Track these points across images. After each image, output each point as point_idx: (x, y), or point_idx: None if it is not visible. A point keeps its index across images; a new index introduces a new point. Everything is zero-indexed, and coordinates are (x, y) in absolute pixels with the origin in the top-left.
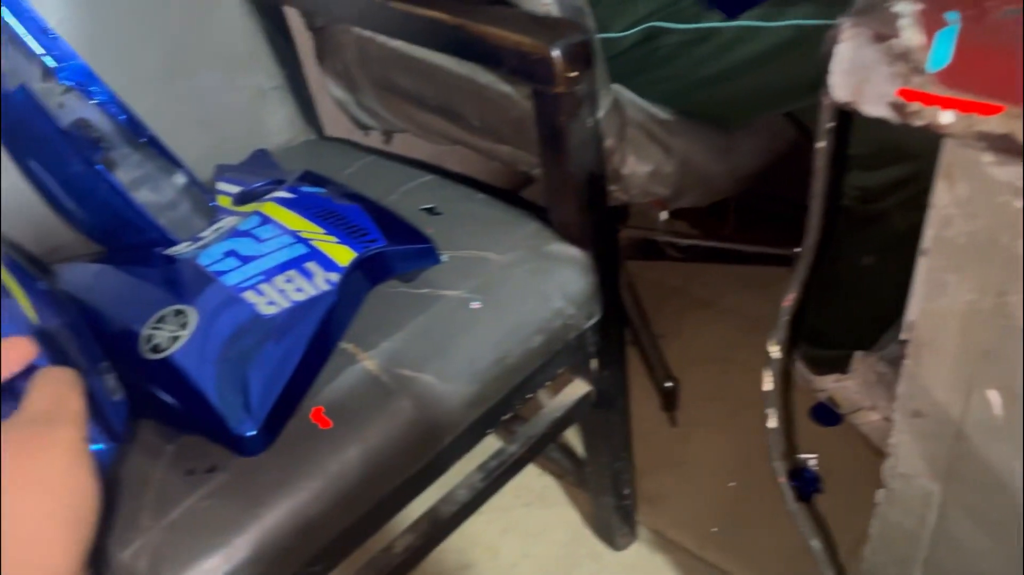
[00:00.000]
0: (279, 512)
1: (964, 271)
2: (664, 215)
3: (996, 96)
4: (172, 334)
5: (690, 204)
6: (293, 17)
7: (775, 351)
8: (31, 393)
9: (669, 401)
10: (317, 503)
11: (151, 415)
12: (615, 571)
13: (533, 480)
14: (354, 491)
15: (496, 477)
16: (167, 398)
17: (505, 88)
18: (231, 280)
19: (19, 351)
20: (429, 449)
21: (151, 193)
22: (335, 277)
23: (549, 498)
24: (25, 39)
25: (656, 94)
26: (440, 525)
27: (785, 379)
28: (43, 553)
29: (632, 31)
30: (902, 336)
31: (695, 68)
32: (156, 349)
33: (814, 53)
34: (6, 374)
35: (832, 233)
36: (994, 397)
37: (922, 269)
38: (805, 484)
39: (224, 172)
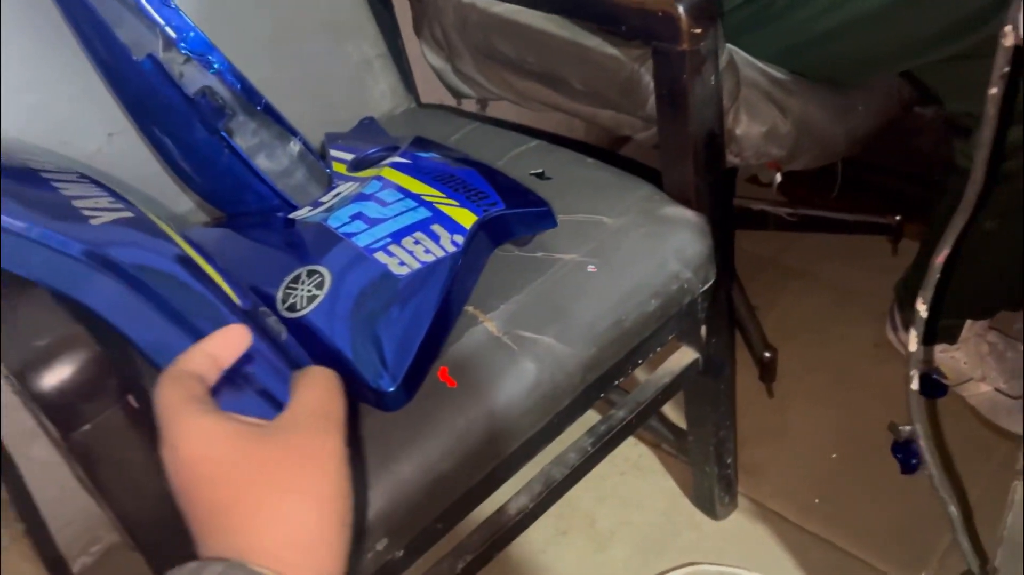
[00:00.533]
0: (410, 467)
1: None
2: (778, 178)
3: None
4: (309, 294)
5: (805, 166)
6: None
7: (923, 310)
8: (300, 396)
9: (767, 372)
10: (445, 460)
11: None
12: (716, 540)
13: (628, 449)
14: (479, 450)
15: (606, 442)
16: (314, 359)
17: (611, 50)
18: (362, 242)
19: (238, 338)
20: (549, 410)
21: (267, 160)
22: (460, 239)
23: (644, 467)
24: (147, 9)
25: (770, 52)
26: (552, 488)
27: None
28: (320, 557)
29: None
30: None
31: (812, 23)
32: (292, 308)
33: (939, 6)
34: (229, 360)
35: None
36: None
37: None
38: (910, 456)
39: (335, 140)
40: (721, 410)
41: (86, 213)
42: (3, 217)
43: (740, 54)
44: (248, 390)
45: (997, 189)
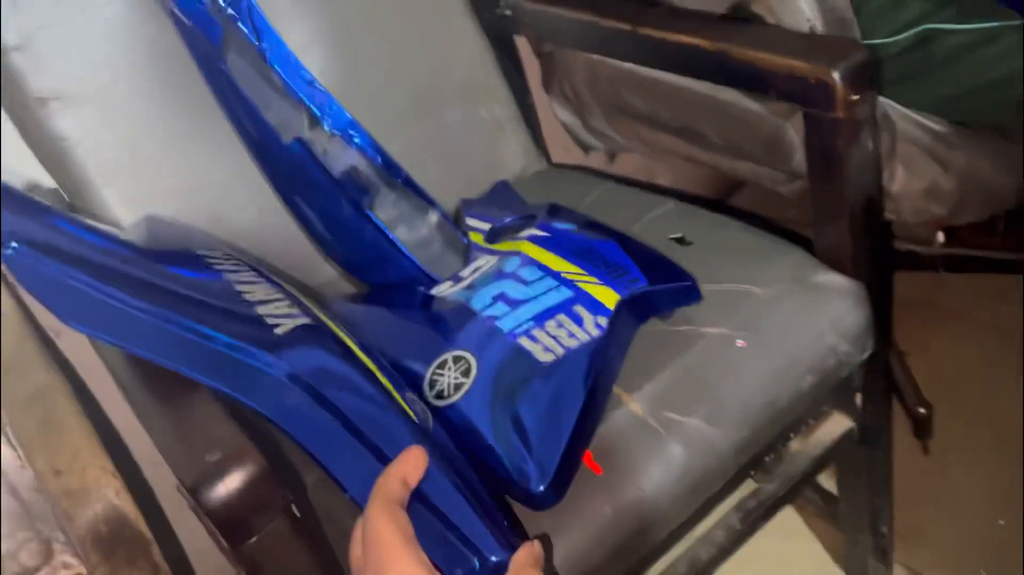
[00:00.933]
0: (557, 560)
1: None
2: (940, 237)
3: None
4: (456, 381)
5: (969, 220)
6: (522, 46)
7: None
8: None
9: (922, 428)
10: (593, 552)
11: None
12: None
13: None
14: (627, 541)
15: (754, 519)
16: (458, 448)
17: (753, 106)
18: (505, 326)
19: (422, 460)
20: (699, 495)
21: (407, 231)
22: (604, 321)
23: (790, 529)
24: (294, 90)
25: (931, 103)
26: (699, 568)
27: None
28: None
29: (903, 35)
30: None
31: (981, 72)
32: (440, 396)
33: None
34: (415, 482)
35: None
36: None
37: None
38: None
39: (470, 207)
40: (877, 479)
41: (270, 321)
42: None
43: (894, 107)
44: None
45: None
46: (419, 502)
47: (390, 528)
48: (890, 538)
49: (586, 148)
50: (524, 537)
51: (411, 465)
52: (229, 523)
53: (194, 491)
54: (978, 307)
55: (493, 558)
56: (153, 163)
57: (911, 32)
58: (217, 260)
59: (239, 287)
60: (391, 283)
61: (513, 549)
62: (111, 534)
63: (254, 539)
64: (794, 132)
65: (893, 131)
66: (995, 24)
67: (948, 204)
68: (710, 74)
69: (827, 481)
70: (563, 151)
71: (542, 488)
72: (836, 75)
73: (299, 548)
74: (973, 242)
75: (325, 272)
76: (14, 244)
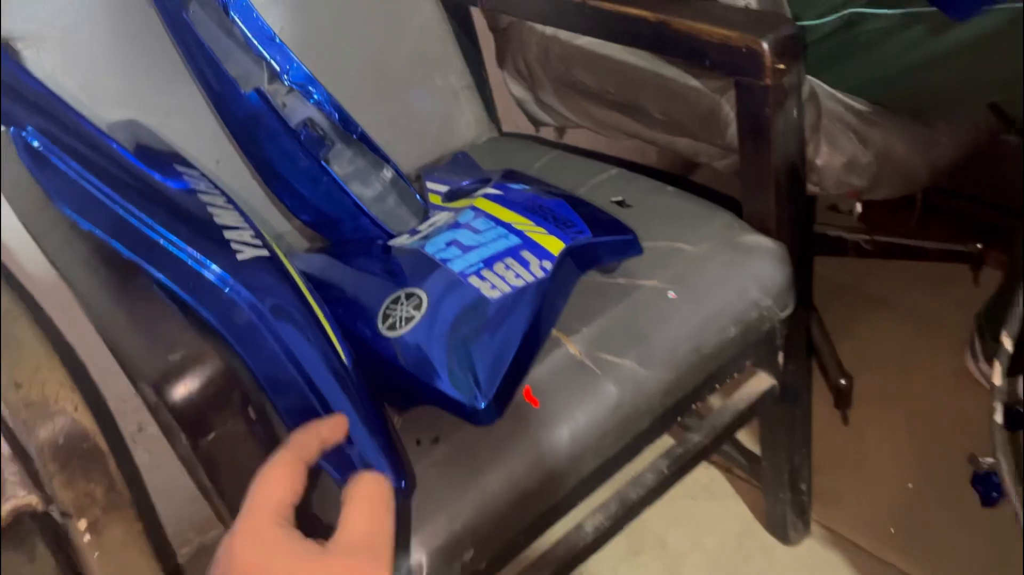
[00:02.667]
0: (496, 482)
1: None
2: (858, 207)
3: None
4: (407, 315)
5: (886, 196)
6: (477, 19)
7: (1008, 342)
8: (352, 520)
9: (843, 399)
10: (529, 477)
11: (385, 388)
12: (788, 566)
13: (699, 473)
14: (562, 467)
15: (681, 464)
16: (404, 372)
17: (692, 81)
18: (456, 267)
19: (343, 428)
20: (629, 432)
21: (362, 186)
22: (548, 264)
23: (716, 491)
24: (255, 44)
25: (853, 84)
26: (628, 507)
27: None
28: None
29: (831, 18)
30: None
31: (900, 55)
32: (392, 327)
33: None
34: (332, 445)
35: None
36: None
37: None
38: (991, 489)
39: (431, 173)
40: (796, 437)
41: (234, 246)
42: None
43: (820, 86)
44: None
45: None
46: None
47: (265, 490)
48: (808, 496)
49: (536, 123)
50: (412, 473)
51: (333, 429)
52: (189, 418)
53: (157, 387)
54: (899, 294)
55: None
56: (112, 109)
57: (837, 15)
58: (192, 176)
59: (210, 208)
60: (348, 238)
61: (402, 484)
62: (68, 446)
63: (212, 435)
64: (728, 107)
65: (818, 108)
66: (912, 11)
67: (866, 177)
68: (652, 44)
69: (752, 444)
70: (514, 127)
71: (483, 405)
72: (765, 45)
73: (254, 448)
74: (893, 230)
75: (282, 225)
76: (29, 128)
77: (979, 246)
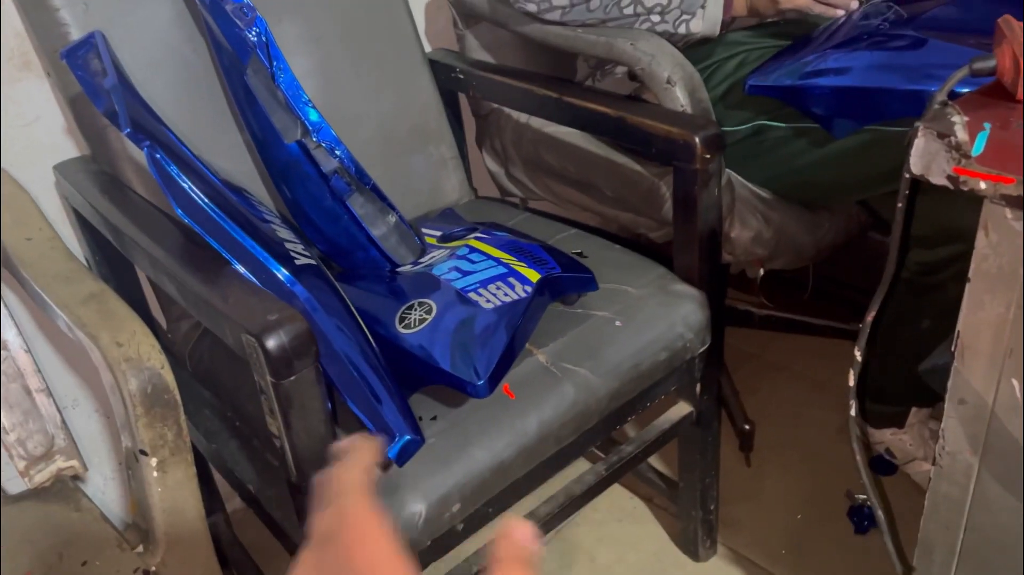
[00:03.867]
0: (481, 452)
1: (996, 292)
2: (760, 272)
3: (1011, 171)
4: (420, 317)
5: (783, 266)
6: (463, 105)
7: (857, 355)
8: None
9: (746, 442)
10: (507, 450)
11: (399, 374)
12: None
13: (625, 501)
14: (531, 446)
15: (616, 469)
16: (417, 359)
17: (637, 167)
18: (458, 285)
19: (376, 450)
20: (582, 425)
21: (371, 226)
22: (528, 289)
23: (638, 516)
24: (293, 106)
25: (759, 177)
26: (572, 501)
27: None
28: None
29: (744, 126)
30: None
31: (793, 158)
32: (408, 327)
33: (889, 152)
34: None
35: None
36: (1016, 384)
37: (967, 292)
38: (862, 520)
39: (426, 222)
40: (708, 459)
41: (292, 254)
42: (247, 239)
43: (736, 177)
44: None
45: (929, 297)
46: (371, 394)
47: (383, 531)
48: (716, 517)
49: (505, 193)
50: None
51: (372, 454)
52: (280, 361)
53: (259, 337)
54: (796, 361)
55: (407, 436)
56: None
57: (748, 125)
58: (256, 202)
59: (272, 225)
60: (358, 267)
61: (418, 436)
62: (154, 395)
63: (293, 377)
64: (665, 188)
65: (733, 194)
66: (802, 125)
67: (767, 249)
68: (611, 133)
69: (669, 472)
70: (486, 195)
71: (481, 382)
72: (697, 139)
73: (319, 393)
74: (789, 306)
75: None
76: (148, 142)
77: (860, 325)
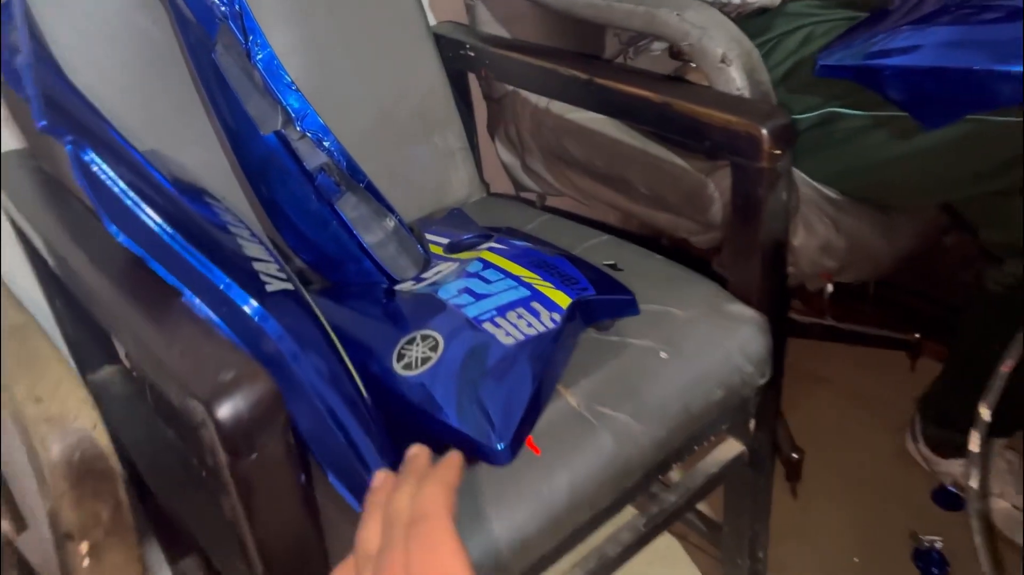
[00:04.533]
0: (499, 527)
1: None
2: (829, 288)
3: None
4: (423, 355)
5: (853, 279)
6: (473, 88)
7: (986, 414)
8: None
9: (793, 472)
10: (529, 523)
11: (396, 428)
12: None
13: (656, 540)
14: (560, 516)
15: (657, 523)
16: (418, 410)
17: (679, 161)
18: (470, 313)
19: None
20: (621, 483)
21: (365, 232)
22: (557, 317)
23: (671, 559)
24: (273, 90)
25: (829, 175)
26: (605, 564)
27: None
28: None
29: (810, 114)
30: None
31: (869, 153)
32: (408, 367)
33: (992, 147)
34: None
35: None
36: None
37: None
38: (931, 566)
39: (430, 226)
40: (760, 504)
41: (263, 278)
42: (201, 258)
43: (799, 174)
44: None
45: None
46: (356, 458)
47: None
48: (764, 564)
49: (520, 188)
50: None
51: (458, 473)
52: (236, 436)
53: (208, 404)
54: (842, 375)
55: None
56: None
57: (816, 112)
58: (219, 208)
59: (239, 240)
60: (350, 281)
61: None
62: (83, 465)
63: (254, 456)
64: (713, 187)
65: (797, 195)
66: (882, 114)
67: (838, 260)
68: (652, 121)
69: (709, 511)
70: (497, 190)
71: (502, 446)
72: (764, 131)
73: (288, 474)
74: (840, 315)
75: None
76: (71, 138)
77: (917, 335)
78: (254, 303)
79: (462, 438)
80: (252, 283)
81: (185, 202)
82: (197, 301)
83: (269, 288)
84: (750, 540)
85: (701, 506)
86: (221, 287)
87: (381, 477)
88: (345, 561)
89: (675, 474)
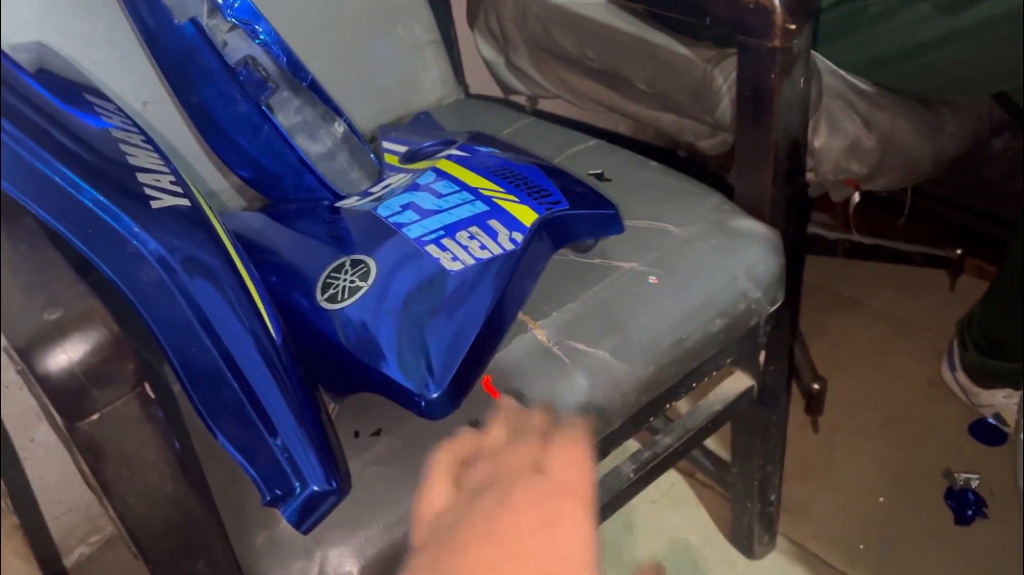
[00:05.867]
0: None
1: None
2: (855, 197)
3: None
4: (351, 284)
5: (885, 187)
6: None
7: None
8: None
9: (815, 404)
10: None
11: (321, 369)
12: None
13: (661, 477)
14: None
15: (650, 469)
16: (345, 352)
17: (682, 50)
18: (412, 233)
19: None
20: (599, 432)
21: (309, 141)
22: (519, 236)
23: (677, 497)
24: None
25: (859, 62)
26: (602, 504)
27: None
28: None
29: None
30: None
31: (910, 32)
32: (333, 299)
33: None
34: None
35: None
36: None
37: None
38: (965, 506)
39: (389, 132)
40: (771, 443)
41: (148, 192)
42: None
43: (824, 62)
44: None
45: None
46: (258, 417)
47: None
48: (777, 507)
49: (507, 90)
50: (347, 471)
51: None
52: (66, 394)
53: (25, 352)
54: (873, 296)
55: (315, 487)
56: (21, 32)
57: None
58: (106, 110)
59: (123, 146)
60: (290, 198)
61: (333, 484)
62: None
63: (95, 416)
64: (721, 79)
65: (820, 85)
66: None
67: (868, 164)
68: None
69: (718, 447)
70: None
71: (435, 395)
72: (776, 0)
73: (151, 434)
74: (872, 229)
75: (218, 182)
76: None
77: (959, 251)
78: (127, 218)
79: (393, 387)
80: (131, 198)
81: (54, 102)
82: (49, 218)
83: (156, 204)
84: (760, 482)
85: (709, 442)
86: (85, 202)
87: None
88: (453, 441)
89: (683, 405)
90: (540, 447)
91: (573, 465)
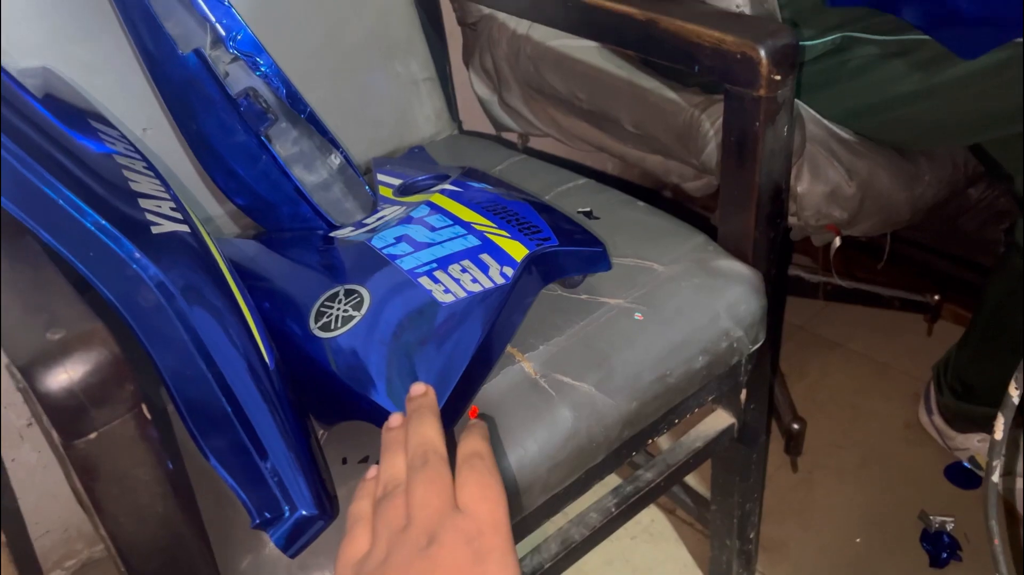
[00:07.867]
0: None
1: None
2: (836, 242)
3: None
4: (345, 314)
5: (865, 232)
6: (446, 12)
7: (1015, 393)
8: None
9: (794, 444)
10: None
11: (311, 396)
12: None
13: (640, 513)
14: (507, 497)
15: (630, 504)
16: (335, 379)
17: (670, 94)
18: (406, 265)
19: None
20: (581, 465)
21: (306, 171)
22: (509, 271)
23: (657, 533)
24: (199, 4)
25: (840, 112)
26: (570, 550)
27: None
28: None
29: (823, 40)
30: None
31: (887, 86)
32: (326, 327)
33: None
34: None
35: None
36: None
37: None
38: (940, 549)
39: (383, 165)
40: (751, 481)
41: (149, 217)
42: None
43: (808, 111)
44: None
45: None
46: (249, 440)
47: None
48: (755, 545)
49: (499, 127)
50: (334, 496)
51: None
52: (65, 412)
53: (27, 370)
54: (853, 338)
55: (303, 512)
56: (26, 58)
57: (829, 38)
58: (109, 136)
59: (126, 172)
60: (285, 227)
61: (322, 509)
62: None
63: (93, 435)
64: (708, 124)
65: (803, 133)
66: (907, 38)
67: (848, 210)
68: (637, 45)
69: (698, 485)
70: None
71: None
72: (762, 51)
73: (145, 454)
74: (851, 274)
75: (214, 208)
76: None
77: (936, 297)
78: (128, 243)
79: (381, 412)
80: (132, 223)
81: (59, 126)
82: (51, 240)
83: (156, 230)
84: (739, 519)
85: (690, 478)
86: (87, 225)
87: (398, 418)
88: (363, 483)
89: (664, 441)
90: (447, 479)
91: (486, 502)
